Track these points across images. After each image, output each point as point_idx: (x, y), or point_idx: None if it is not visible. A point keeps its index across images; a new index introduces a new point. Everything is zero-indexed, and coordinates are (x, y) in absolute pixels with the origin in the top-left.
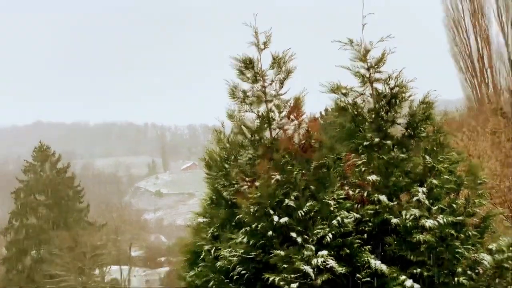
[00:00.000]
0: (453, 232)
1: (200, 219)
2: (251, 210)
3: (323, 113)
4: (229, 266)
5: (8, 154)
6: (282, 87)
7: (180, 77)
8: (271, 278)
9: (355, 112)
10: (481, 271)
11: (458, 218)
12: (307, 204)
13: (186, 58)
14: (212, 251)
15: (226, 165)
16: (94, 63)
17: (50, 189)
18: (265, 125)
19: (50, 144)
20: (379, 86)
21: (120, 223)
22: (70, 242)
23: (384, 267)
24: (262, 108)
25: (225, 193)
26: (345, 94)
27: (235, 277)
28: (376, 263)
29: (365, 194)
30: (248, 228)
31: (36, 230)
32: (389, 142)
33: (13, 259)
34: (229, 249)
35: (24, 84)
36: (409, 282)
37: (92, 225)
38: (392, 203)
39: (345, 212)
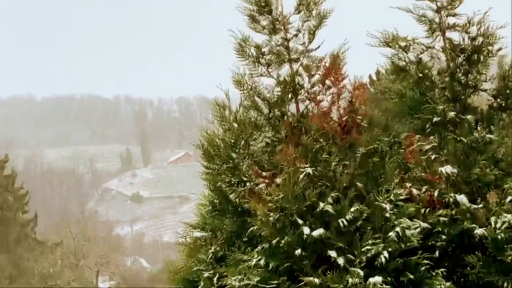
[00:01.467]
0: None
1: (197, 233)
2: (271, 218)
3: (374, 76)
4: None
5: None
6: (313, 39)
7: (165, 34)
8: None
9: (420, 74)
10: None
11: None
12: (352, 210)
13: (173, 9)
14: (215, 279)
15: (234, 155)
16: (43, 23)
17: None
18: (289, 96)
19: None
20: (455, 36)
21: (82, 241)
22: (11, 269)
23: None
24: (285, 71)
25: (232, 195)
26: (404, 49)
27: None
28: None
29: (436, 193)
30: (266, 245)
31: None
32: (469, 117)
33: None
34: (239, 276)
35: None
36: None
37: (42, 244)
38: (475, 206)
39: (407, 220)
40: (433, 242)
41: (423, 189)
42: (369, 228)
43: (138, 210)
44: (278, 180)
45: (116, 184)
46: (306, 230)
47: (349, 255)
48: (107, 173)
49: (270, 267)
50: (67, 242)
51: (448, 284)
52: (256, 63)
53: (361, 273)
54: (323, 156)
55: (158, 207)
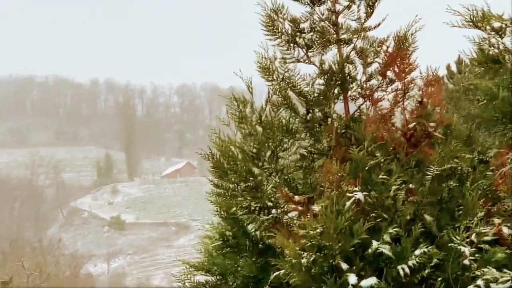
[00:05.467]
0: None
1: (201, 277)
2: (304, 261)
3: (453, 68)
4: None
5: None
6: (371, 13)
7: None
8: None
9: None
10: None
11: None
12: (417, 253)
13: None
14: None
15: (256, 170)
16: None
17: None
18: (336, 91)
19: None
20: None
21: (39, 280)
22: None
23: None
24: (331, 56)
25: (251, 226)
26: (499, 31)
27: None
28: None
29: None
30: None
31: None
32: None
33: None
34: None
35: None
36: None
37: None
38: None
39: (493, 271)
40: None
41: None
42: (440, 279)
43: (119, 240)
44: (316, 208)
45: (89, 203)
46: (353, 278)
47: None
48: (77, 187)
49: None
50: (18, 281)
51: None
52: (292, 44)
53: None
54: (380, 176)
55: (147, 238)
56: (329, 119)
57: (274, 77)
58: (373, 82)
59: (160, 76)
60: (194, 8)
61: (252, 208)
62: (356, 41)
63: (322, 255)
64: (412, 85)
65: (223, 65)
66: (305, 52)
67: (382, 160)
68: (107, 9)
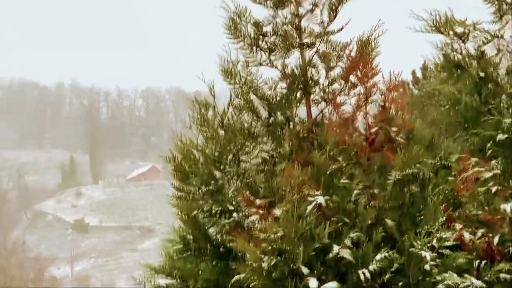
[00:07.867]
0: None
1: (161, 281)
2: (265, 265)
3: (418, 73)
4: None
5: None
6: (334, 17)
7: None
8: None
9: (482, 74)
10: None
11: None
12: (378, 257)
13: None
14: None
15: (217, 173)
16: None
17: None
18: (298, 94)
19: None
20: None
21: (3, 283)
22: None
23: None
24: (293, 59)
25: (212, 230)
26: (462, 37)
27: None
28: None
29: (496, 239)
30: None
31: None
32: None
33: None
34: None
35: None
36: None
37: None
38: None
39: (454, 276)
40: None
41: (479, 233)
42: (400, 284)
43: (82, 243)
44: (277, 212)
45: (53, 206)
46: (313, 283)
47: None
48: (41, 190)
49: None
50: None
51: None
52: (254, 47)
53: None
54: (342, 181)
55: (111, 241)
56: (291, 123)
57: (237, 80)
58: (336, 86)
59: (125, 78)
60: (160, 11)
61: (213, 211)
62: (319, 45)
63: (283, 259)
64: (375, 89)
65: (188, 67)
66: (268, 55)
67: (344, 164)
68: (70, 10)
